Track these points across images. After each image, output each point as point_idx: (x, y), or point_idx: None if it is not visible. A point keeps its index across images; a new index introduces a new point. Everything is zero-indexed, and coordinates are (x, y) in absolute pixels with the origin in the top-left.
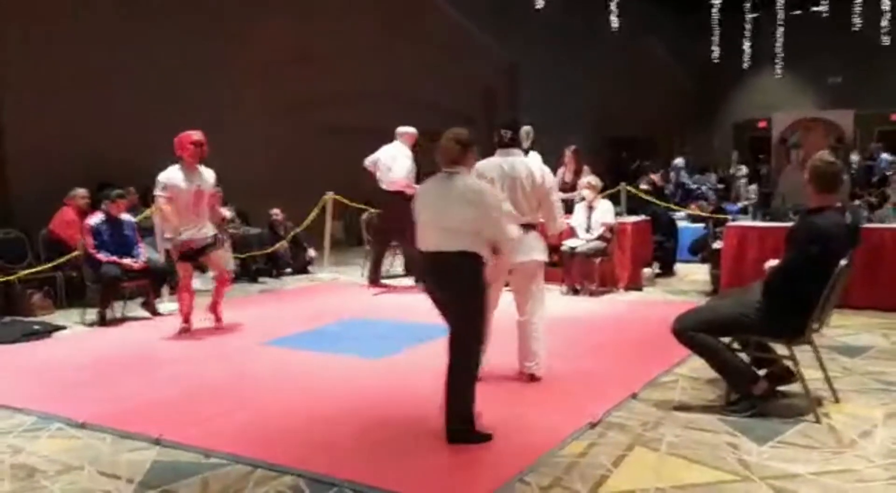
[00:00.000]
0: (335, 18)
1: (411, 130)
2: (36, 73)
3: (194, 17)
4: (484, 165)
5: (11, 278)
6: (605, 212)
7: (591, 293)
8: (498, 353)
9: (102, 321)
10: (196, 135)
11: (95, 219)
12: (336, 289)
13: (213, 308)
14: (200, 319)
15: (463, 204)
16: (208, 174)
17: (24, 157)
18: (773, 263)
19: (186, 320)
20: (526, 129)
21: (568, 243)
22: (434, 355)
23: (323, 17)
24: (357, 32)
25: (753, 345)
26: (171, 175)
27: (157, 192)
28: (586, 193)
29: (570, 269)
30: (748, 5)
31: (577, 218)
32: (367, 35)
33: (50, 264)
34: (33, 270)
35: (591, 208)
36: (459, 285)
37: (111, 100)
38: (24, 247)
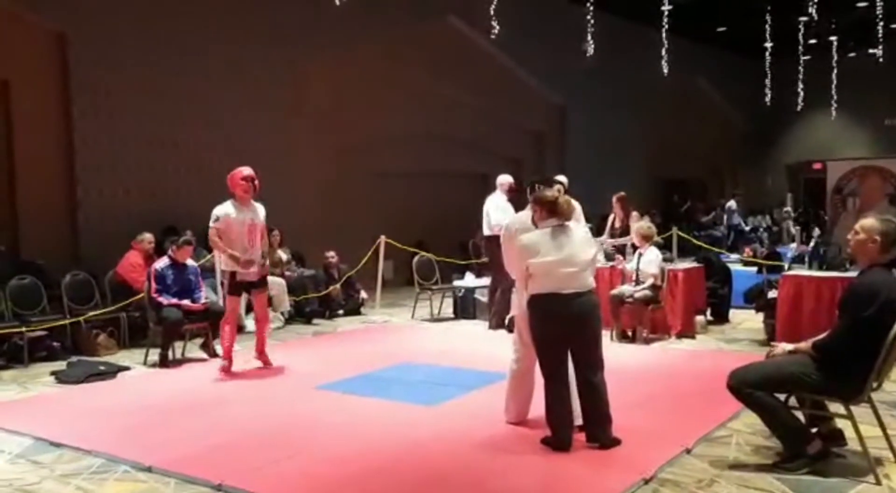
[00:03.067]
0: (385, 63)
1: (504, 179)
2: (106, 127)
3: (247, 72)
4: (516, 217)
5: (79, 318)
6: (649, 262)
7: (644, 340)
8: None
9: (164, 363)
10: (246, 170)
11: (161, 263)
12: (388, 331)
13: (260, 353)
14: (252, 360)
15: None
16: (260, 209)
17: (94, 203)
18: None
19: (227, 355)
20: (557, 187)
21: (618, 289)
22: (490, 402)
23: (373, 61)
24: (407, 76)
25: (809, 403)
26: (225, 208)
27: (211, 223)
28: (636, 240)
29: (620, 315)
30: (801, 48)
31: (630, 264)
32: (418, 79)
33: (115, 306)
34: (99, 311)
35: (641, 255)
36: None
37: (174, 150)
38: (91, 289)
